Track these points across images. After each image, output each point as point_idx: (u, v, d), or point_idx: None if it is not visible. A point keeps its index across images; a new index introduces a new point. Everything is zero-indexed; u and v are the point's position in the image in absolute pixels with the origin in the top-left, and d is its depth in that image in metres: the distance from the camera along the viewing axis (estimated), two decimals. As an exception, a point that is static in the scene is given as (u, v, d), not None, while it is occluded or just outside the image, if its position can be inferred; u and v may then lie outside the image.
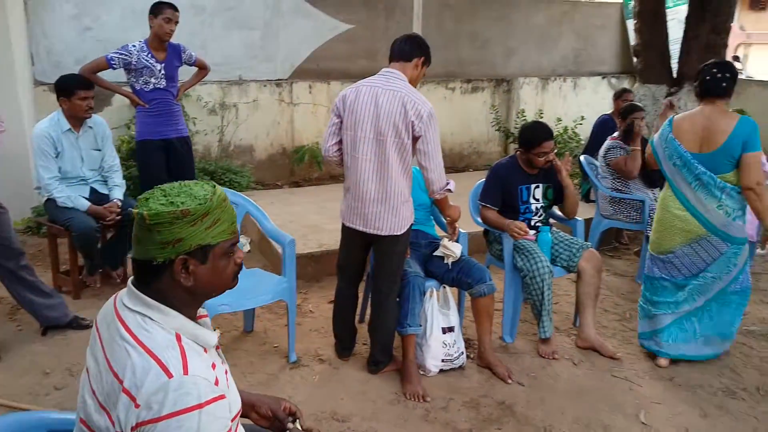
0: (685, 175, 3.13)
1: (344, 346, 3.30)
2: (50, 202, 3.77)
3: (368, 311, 3.47)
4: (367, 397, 2.99)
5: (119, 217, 3.84)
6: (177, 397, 1.24)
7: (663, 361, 3.34)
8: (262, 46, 6.39)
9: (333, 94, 6.63)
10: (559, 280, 4.08)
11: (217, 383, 1.32)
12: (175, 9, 3.95)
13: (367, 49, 6.89)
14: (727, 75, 3.10)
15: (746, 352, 3.54)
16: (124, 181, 4.05)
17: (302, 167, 6.52)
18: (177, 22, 3.98)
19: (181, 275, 1.35)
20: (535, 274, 3.33)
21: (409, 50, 2.92)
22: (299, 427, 1.69)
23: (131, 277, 1.43)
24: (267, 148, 6.46)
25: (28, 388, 2.98)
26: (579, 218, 3.80)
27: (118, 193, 3.95)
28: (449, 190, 2.95)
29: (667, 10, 6.19)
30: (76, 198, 3.74)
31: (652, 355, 3.42)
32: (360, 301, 3.43)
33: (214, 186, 1.41)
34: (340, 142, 2.94)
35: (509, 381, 3.14)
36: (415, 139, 2.81)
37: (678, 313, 3.28)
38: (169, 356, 1.29)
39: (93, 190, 3.92)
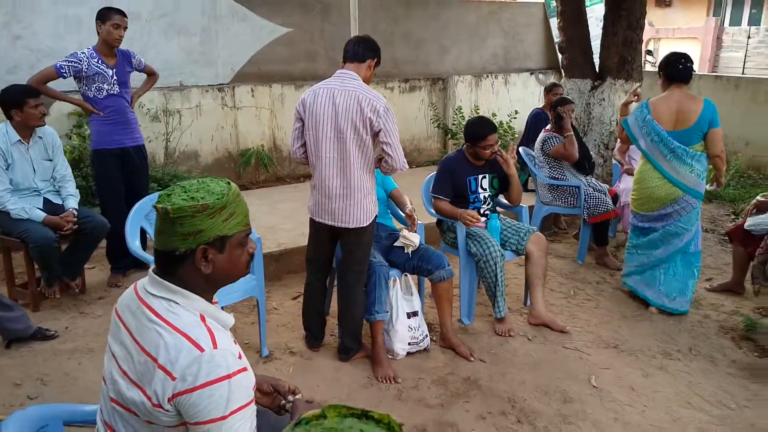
0: (661, 149, 3.78)
1: (315, 337, 3.44)
2: (3, 215, 3.70)
3: (333, 303, 3.64)
4: (342, 383, 3.15)
5: (75, 226, 3.82)
6: (209, 368, 1.39)
7: (653, 309, 3.97)
8: (202, 51, 6.39)
9: (275, 97, 6.72)
10: (507, 265, 4.34)
11: (240, 357, 1.47)
12: (124, 15, 3.95)
13: (306, 50, 7.01)
14: (689, 64, 3.82)
15: (677, 318, 3.91)
16: (77, 191, 4.02)
17: (249, 170, 6.56)
18: (126, 28, 3.98)
19: (201, 263, 1.49)
20: (488, 258, 3.58)
21: (362, 52, 3.10)
22: (300, 398, 1.83)
23: (152, 267, 1.55)
24: (212, 153, 6.47)
25: (0, 399, 2.97)
26: (524, 205, 4.09)
27: (72, 203, 3.92)
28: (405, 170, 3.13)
29: (586, 9, 6.63)
30: (31, 209, 3.70)
31: (597, 327, 3.75)
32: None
33: (229, 183, 1.55)
34: (305, 143, 3.08)
35: (471, 359, 3.37)
36: (375, 134, 2.97)
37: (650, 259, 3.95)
38: (198, 334, 1.43)
39: (46, 201, 3.88)
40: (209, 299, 1.57)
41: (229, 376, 1.41)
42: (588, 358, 3.43)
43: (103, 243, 4.24)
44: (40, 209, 3.78)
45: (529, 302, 3.94)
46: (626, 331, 3.74)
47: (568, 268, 4.74)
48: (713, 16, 19.93)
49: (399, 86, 7.57)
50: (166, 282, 1.49)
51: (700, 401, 3.03)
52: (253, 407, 1.49)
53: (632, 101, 4.42)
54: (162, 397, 1.40)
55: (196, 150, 6.36)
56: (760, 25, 18.72)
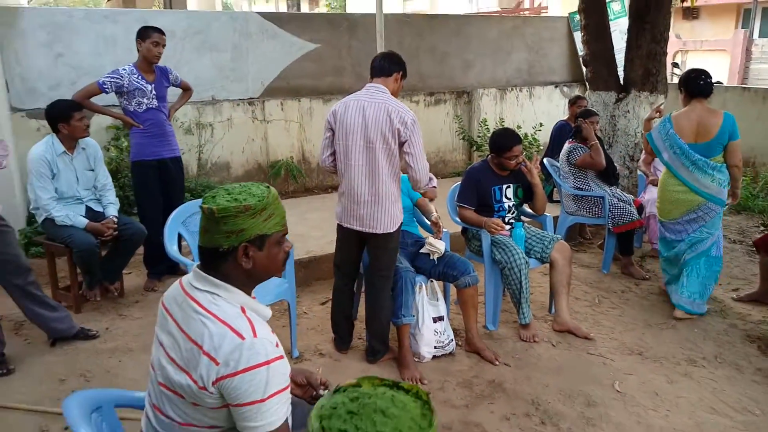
0: (683, 161, 3.95)
1: (343, 340, 3.55)
2: (48, 221, 3.90)
3: (360, 308, 3.74)
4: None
5: (116, 232, 4.00)
6: (250, 355, 1.51)
7: (678, 313, 4.04)
8: (233, 67, 6.61)
9: (304, 110, 6.90)
10: (532, 273, 4.40)
11: (277, 346, 1.58)
12: (162, 33, 4.15)
13: (334, 66, 7.19)
14: (709, 80, 3.99)
15: (704, 327, 3.93)
16: (117, 199, 4.21)
17: (278, 181, 6.73)
18: (164, 46, 4.18)
19: (242, 260, 1.61)
20: (513, 266, 3.66)
21: (389, 66, 3.24)
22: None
23: (195, 263, 1.68)
24: (243, 164, 6.66)
25: (47, 393, 3.13)
26: (548, 214, 4.16)
27: (113, 210, 4.11)
28: (434, 186, 3.29)
29: (610, 22, 6.70)
30: (74, 216, 3.89)
31: (621, 335, 3.80)
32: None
33: (268, 187, 1.68)
34: (334, 152, 3.22)
35: (496, 363, 3.44)
36: (401, 144, 3.10)
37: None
38: (239, 324, 1.55)
39: (88, 209, 4.07)
40: (248, 293, 1.69)
41: (267, 362, 1.52)
42: (612, 363, 3.48)
43: (140, 250, 4.42)
44: (83, 216, 3.97)
45: (553, 310, 3.99)
46: (651, 338, 3.78)
47: (593, 278, 4.77)
48: (742, 28, 19.75)
49: (424, 99, 7.71)
50: (210, 277, 1.62)
51: (725, 407, 3.05)
52: (288, 392, 1.60)
53: (655, 117, 4.51)
54: (207, 381, 1.52)
55: (227, 161, 6.56)
56: (790, 37, 18.52)
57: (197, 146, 6.29)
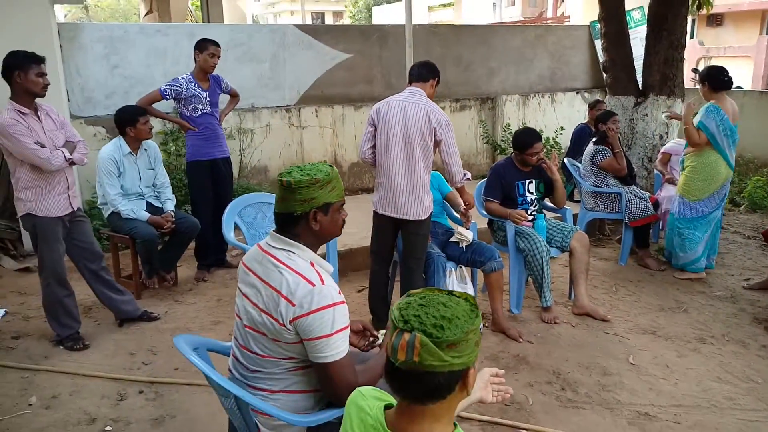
0: (730, 141, 4.66)
1: (380, 319, 3.91)
2: (114, 215, 4.35)
3: (395, 294, 4.11)
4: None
5: (173, 225, 4.44)
6: (319, 298, 1.87)
7: (702, 274, 4.81)
8: (271, 76, 7.06)
9: (337, 117, 7.32)
10: (552, 264, 4.75)
11: (339, 293, 1.95)
12: (218, 45, 4.60)
13: (365, 75, 7.61)
14: (730, 75, 4.72)
15: (713, 311, 4.23)
16: (174, 196, 4.65)
17: (313, 183, 7.12)
18: (219, 57, 4.63)
19: (312, 222, 1.99)
20: (535, 253, 4.00)
21: (426, 73, 3.64)
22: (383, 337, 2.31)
23: (273, 228, 2.06)
24: (280, 168, 7.08)
25: (120, 365, 3.55)
26: (567, 207, 4.49)
27: (170, 206, 4.55)
28: (468, 179, 3.66)
29: (630, 30, 7.00)
30: (138, 210, 4.34)
31: (636, 317, 4.11)
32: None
33: (331, 166, 2.06)
34: (374, 146, 3.61)
35: (520, 340, 3.78)
36: (436, 142, 3.49)
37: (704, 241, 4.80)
38: (310, 274, 1.93)
39: (148, 204, 4.52)
40: (315, 251, 2.07)
41: (333, 305, 1.89)
42: (627, 341, 3.79)
43: (191, 245, 4.86)
44: (144, 211, 4.41)
45: (573, 296, 4.32)
46: (664, 320, 4.08)
47: (611, 269, 5.08)
48: (766, 34, 19.78)
49: (450, 105, 8.08)
50: (285, 238, 2.01)
51: (730, 377, 3.36)
52: (348, 330, 1.96)
53: (693, 109, 4.88)
54: (285, 319, 1.89)
55: (265, 165, 7.00)
56: (814, 43, 18.50)
57: (238, 151, 6.73)
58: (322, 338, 1.87)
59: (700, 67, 18.21)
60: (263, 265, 2.01)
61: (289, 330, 1.90)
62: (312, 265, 1.98)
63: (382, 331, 2.32)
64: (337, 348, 1.89)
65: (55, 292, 3.66)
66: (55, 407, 3.13)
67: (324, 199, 1.99)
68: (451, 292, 1.38)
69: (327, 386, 1.95)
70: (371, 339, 2.31)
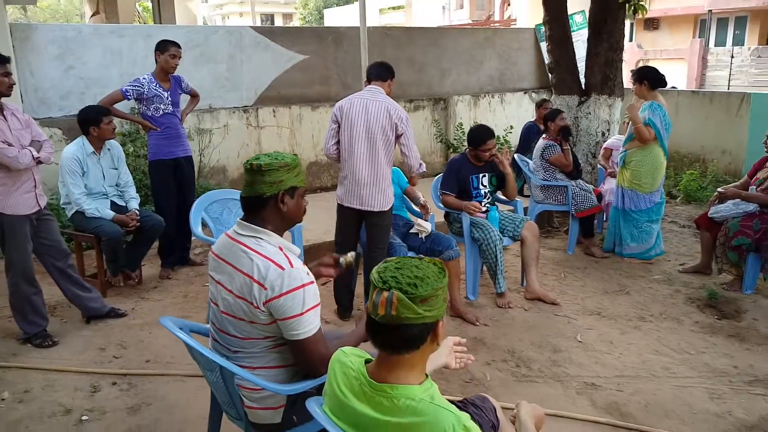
0: (668, 133, 5.11)
1: (345, 308, 4.10)
2: (78, 214, 4.39)
3: (358, 283, 4.30)
4: (368, 345, 3.79)
5: (138, 223, 4.50)
6: (289, 281, 2.02)
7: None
8: (228, 77, 7.14)
9: (294, 117, 7.46)
10: (506, 255, 5.03)
11: (308, 274, 2.11)
12: (179, 47, 4.69)
13: (321, 75, 7.77)
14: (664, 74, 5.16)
15: (652, 293, 4.58)
16: (138, 195, 4.71)
17: (272, 183, 7.23)
18: (180, 57, 4.72)
19: (280, 204, 2.14)
20: (489, 242, 4.26)
21: (384, 73, 3.85)
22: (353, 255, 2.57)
23: (239, 219, 2.20)
24: (239, 168, 7.17)
25: (91, 359, 3.62)
26: (518, 199, 4.78)
27: (134, 204, 4.62)
28: (423, 170, 3.90)
29: (573, 33, 7.39)
30: (102, 209, 4.39)
31: (583, 300, 4.42)
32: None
33: (296, 155, 2.23)
34: (338, 142, 3.79)
35: (477, 323, 4.03)
36: (397, 137, 3.70)
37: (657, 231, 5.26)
38: (279, 258, 2.07)
39: (112, 203, 4.57)
40: (281, 236, 2.21)
41: (303, 286, 2.04)
42: (575, 322, 4.09)
43: (155, 244, 4.92)
44: (109, 209, 4.46)
45: (525, 282, 4.60)
46: (608, 302, 4.40)
47: (560, 258, 5.41)
48: (699, 37, 20.85)
49: (404, 106, 8.30)
50: (253, 225, 2.14)
51: (666, 350, 3.68)
52: (319, 308, 2.12)
53: (638, 106, 5.22)
54: (259, 302, 2.03)
55: (224, 165, 7.07)
56: (743, 46, 19.61)
57: (197, 151, 6.78)
58: (295, 317, 2.02)
59: (640, 69, 19.05)
60: (234, 253, 2.12)
61: (263, 312, 2.04)
62: (280, 249, 2.11)
63: (351, 253, 2.59)
64: (309, 325, 2.05)
65: (22, 290, 3.70)
66: (28, 401, 3.19)
67: (291, 182, 2.14)
68: (421, 258, 1.59)
69: (302, 360, 2.11)
70: (341, 261, 2.51)
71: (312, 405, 1.73)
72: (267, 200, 2.12)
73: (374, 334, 1.53)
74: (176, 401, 3.17)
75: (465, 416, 1.47)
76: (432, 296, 1.49)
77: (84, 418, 3.02)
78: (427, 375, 1.60)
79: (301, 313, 2.03)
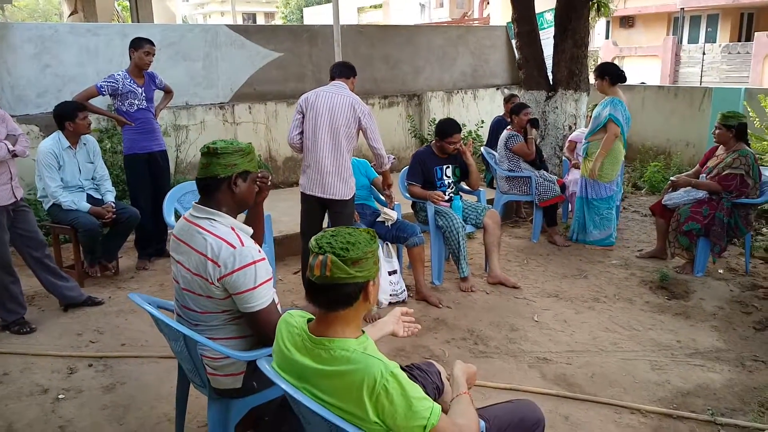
0: (628, 126, 5.36)
1: (314, 294, 4.27)
2: (55, 207, 4.52)
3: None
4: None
5: (114, 215, 4.64)
6: (241, 258, 2.19)
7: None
8: (204, 75, 7.28)
9: (270, 113, 7.62)
10: (470, 243, 5.25)
11: (260, 251, 2.28)
12: (153, 44, 4.83)
13: (296, 72, 7.93)
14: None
15: (609, 276, 4.81)
16: (113, 188, 4.85)
17: (248, 177, 7.39)
18: (154, 54, 4.86)
19: (233, 186, 2.30)
20: (453, 229, 4.46)
21: (347, 71, 4.06)
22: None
23: (195, 200, 2.37)
24: (215, 163, 7.30)
25: (69, 343, 3.77)
26: (481, 189, 4.99)
27: (110, 197, 4.76)
28: (393, 161, 4.10)
29: (541, 31, 7.62)
30: (79, 201, 4.52)
31: (543, 284, 4.64)
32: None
33: (250, 143, 2.40)
34: (302, 132, 3.97)
35: (440, 306, 4.23)
36: (362, 130, 3.89)
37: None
38: (231, 238, 2.23)
39: (88, 196, 4.70)
40: (235, 217, 2.38)
41: (254, 262, 2.20)
42: (533, 303, 4.31)
43: (131, 237, 5.07)
44: (85, 202, 4.60)
45: (488, 268, 4.81)
46: (566, 286, 4.63)
47: (524, 245, 5.63)
48: (672, 35, 21.27)
49: (379, 102, 8.50)
50: (207, 208, 2.30)
51: (617, 327, 3.91)
52: (271, 282, 2.29)
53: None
54: (213, 278, 2.19)
55: (201, 161, 7.20)
56: (715, 43, 20.04)
57: (174, 147, 6.91)
58: (248, 291, 2.19)
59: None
60: (190, 234, 2.29)
61: (218, 287, 2.20)
62: (233, 229, 2.27)
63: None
64: (262, 298, 2.22)
65: (0, 279, 3.83)
66: (6, 383, 3.33)
67: (244, 166, 2.31)
68: (355, 228, 1.77)
69: (257, 331, 2.28)
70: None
71: (262, 363, 1.92)
72: (220, 182, 2.28)
73: (313, 294, 1.72)
74: (149, 381, 3.33)
75: (393, 364, 1.66)
76: (362, 258, 1.68)
77: (60, 396, 3.18)
78: (363, 331, 1.79)
79: (254, 287, 2.20)
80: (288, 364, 1.80)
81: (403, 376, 1.65)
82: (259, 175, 2.46)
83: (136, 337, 3.87)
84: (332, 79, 4.08)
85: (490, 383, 3.22)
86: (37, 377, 3.38)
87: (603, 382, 3.27)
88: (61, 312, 4.22)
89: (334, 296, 1.69)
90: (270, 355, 2.27)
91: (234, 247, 2.19)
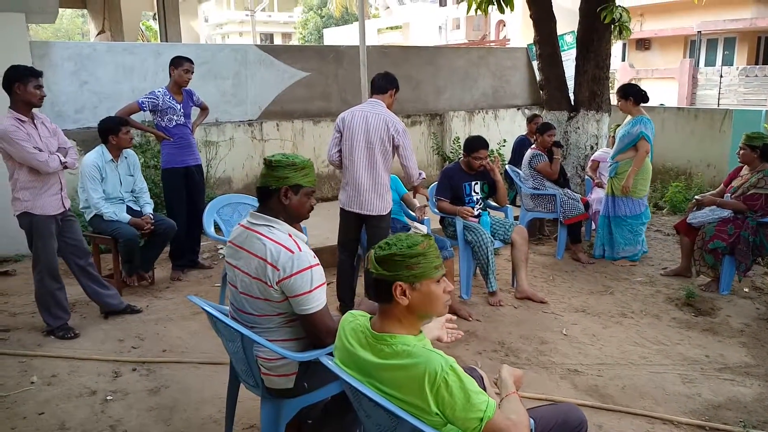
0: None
1: (347, 306, 4.38)
2: (97, 217, 4.69)
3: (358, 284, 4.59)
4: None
5: (152, 227, 4.80)
6: (299, 263, 2.32)
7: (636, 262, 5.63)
8: (234, 92, 7.49)
9: (296, 131, 7.80)
10: (497, 260, 5.34)
11: (314, 257, 2.41)
12: (192, 62, 5.03)
13: (322, 92, 8.13)
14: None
15: (634, 293, 4.88)
16: (152, 200, 5.02)
17: (275, 193, 7.56)
18: (193, 72, 5.06)
19: (283, 197, 2.43)
20: (481, 244, 4.56)
21: (385, 84, 4.19)
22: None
23: (251, 210, 2.50)
24: (243, 179, 7.50)
25: (111, 349, 3.90)
26: (509, 206, 5.10)
27: (149, 209, 4.92)
28: (423, 178, 4.21)
29: (563, 53, 7.77)
30: (119, 212, 4.69)
31: (569, 299, 4.72)
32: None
33: (309, 159, 2.53)
34: (340, 150, 4.11)
35: (470, 319, 4.32)
36: (395, 147, 4.03)
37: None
38: (289, 243, 2.37)
39: (128, 208, 4.87)
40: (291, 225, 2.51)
41: (310, 267, 2.34)
42: (561, 318, 4.38)
43: (166, 249, 5.22)
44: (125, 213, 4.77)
45: (515, 283, 4.89)
46: (593, 301, 4.70)
47: (549, 262, 5.71)
48: (689, 57, 21.37)
49: (402, 121, 8.59)
50: (265, 215, 2.44)
51: (645, 341, 3.98)
52: (325, 286, 2.41)
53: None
54: (272, 282, 2.32)
55: (230, 176, 7.39)
56: (732, 66, 20.10)
57: (204, 162, 7.09)
58: (304, 294, 2.33)
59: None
60: (249, 240, 2.42)
61: (276, 290, 2.33)
62: (290, 236, 2.40)
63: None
64: (317, 301, 2.35)
65: (47, 285, 3.99)
66: (55, 384, 3.46)
67: (295, 180, 2.43)
68: (416, 235, 1.90)
69: (311, 333, 2.41)
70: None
71: (325, 359, 2.03)
72: (272, 192, 2.42)
73: (367, 285, 1.91)
74: (192, 384, 3.45)
75: (452, 359, 1.77)
76: (388, 260, 1.84)
77: (109, 398, 3.30)
78: (420, 330, 1.91)
79: (310, 291, 2.33)
80: (351, 359, 1.92)
81: (461, 370, 1.76)
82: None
83: (175, 343, 3.99)
84: (371, 94, 4.22)
85: (525, 393, 3.29)
86: (84, 380, 3.50)
87: (634, 394, 3.33)
88: (101, 319, 4.37)
89: (373, 288, 1.88)
90: (326, 355, 2.40)
91: (292, 252, 2.32)
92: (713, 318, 4.38)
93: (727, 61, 21.01)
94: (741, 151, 4.91)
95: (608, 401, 3.26)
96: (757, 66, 19.87)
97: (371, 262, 1.86)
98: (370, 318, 1.96)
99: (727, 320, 4.34)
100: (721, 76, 19.35)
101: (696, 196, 5.22)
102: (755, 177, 4.78)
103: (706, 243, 4.83)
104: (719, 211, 4.94)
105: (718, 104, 18.59)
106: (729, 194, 4.96)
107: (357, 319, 1.97)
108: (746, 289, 4.92)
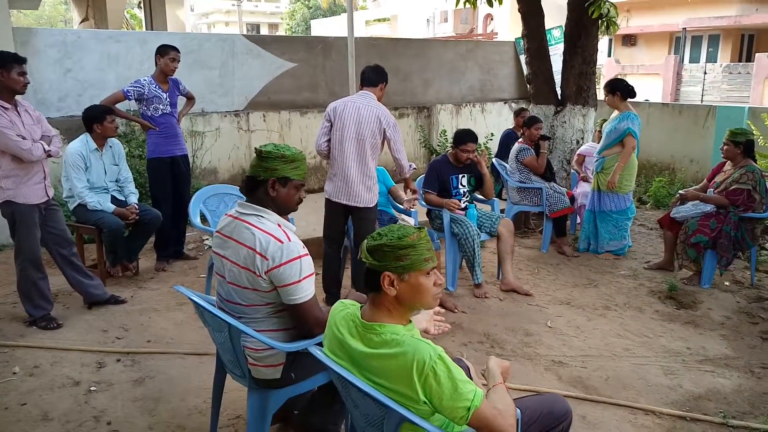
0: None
1: (333, 296, 4.38)
2: (80, 207, 4.63)
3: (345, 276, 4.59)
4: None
5: (137, 217, 4.76)
6: (288, 252, 2.32)
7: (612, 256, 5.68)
8: (221, 83, 7.43)
9: (283, 122, 7.76)
10: (483, 251, 5.36)
11: (304, 248, 2.40)
12: (178, 51, 4.98)
13: (310, 83, 8.09)
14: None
15: (618, 286, 4.93)
16: (137, 190, 4.97)
17: (261, 184, 7.52)
18: (179, 61, 5.00)
19: (270, 189, 2.43)
20: (468, 236, 4.58)
21: (376, 78, 4.18)
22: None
23: (239, 201, 2.49)
24: (229, 169, 7.45)
25: (96, 340, 3.87)
26: (495, 199, 5.12)
27: (134, 199, 4.87)
28: (413, 169, 4.23)
29: (550, 47, 7.78)
30: (104, 202, 4.64)
31: (554, 292, 4.76)
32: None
33: (301, 151, 2.52)
34: (329, 140, 4.10)
35: (456, 311, 4.34)
36: (385, 139, 4.03)
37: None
38: (278, 233, 2.36)
39: (112, 197, 4.82)
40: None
41: (299, 257, 2.34)
42: (546, 310, 4.42)
43: (151, 239, 5.18)
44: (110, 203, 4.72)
45: (500, 275, 4.92)
46: (577, 294, 4.75)
47: (534, 255, 5.75)
48: (674, 54, 21.54)
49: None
50: (253, 204, 2.43)
51: (628, 334, 4.03)
52: (314, 276, 2.41)
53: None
54: (261, 271, 2.32)
55: (215, 167, 7.34)
56: (716, 62, 20.30)
57: (190, 153, 7.02)
58: (292, 284, 2.32)
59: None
60: (237, 229, 2.41)
61: (264, 280, 2.33)
62: (279, 226, 2.40)
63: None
64: (305, 291, 2.35)
65: (30, 275, 3.94)
66: (38, 375, 3.43)
67: (284, 172, 2.42)
68: (418, 228, 1.91)
69: (300, 322, 2.41)
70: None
71: (314, 349, 2.03)
72: (260, 183, 2.41)
73: (356, 276, 1.92)
74: (177, 375, 3.43)
75: (440, 349, 1.78)
76: (377, 250, 1.86)
77: (92, 388, 3.28)
78: (410, 321, 1.92)
79: (298, 281, 2.33)
80: (340, 348, 1.92)
81: (449, 360, 1.77)
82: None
83: (160, 334, 3.97)
84: (362, 86, 4.21)
85: (510, 384, 3.30)
86: (67, 370, 3.47)
87: (617, 385, 3.38)
88: (85, 309, 4.33)
89: (364, 278, 1.93)
90: (315, 345, 2.40)
91: (281, 242, 2.32)
92: (695, 311, 4.44)
93: (711, 58, 21.22)
94: (724, 147, 4.96)
95: (592, 392, 3.30)
96: (740, 63, 20.09)
97: (363, 251, 1.88)
98: (361, 307, 1.96)
99: (708, 313, 4.40)
100: (705, 73, 19.54)
101: (679, 191, 5.28)
102: (738, 173, 4.84)
103: (688, 237, 4.89)
104: (702, 205, 5.00)
105: (702, 100, 18.78)
106: (712, 189, 5.02)
107: (347, 308, 1.98)
108: (727, 283, 4.99)
